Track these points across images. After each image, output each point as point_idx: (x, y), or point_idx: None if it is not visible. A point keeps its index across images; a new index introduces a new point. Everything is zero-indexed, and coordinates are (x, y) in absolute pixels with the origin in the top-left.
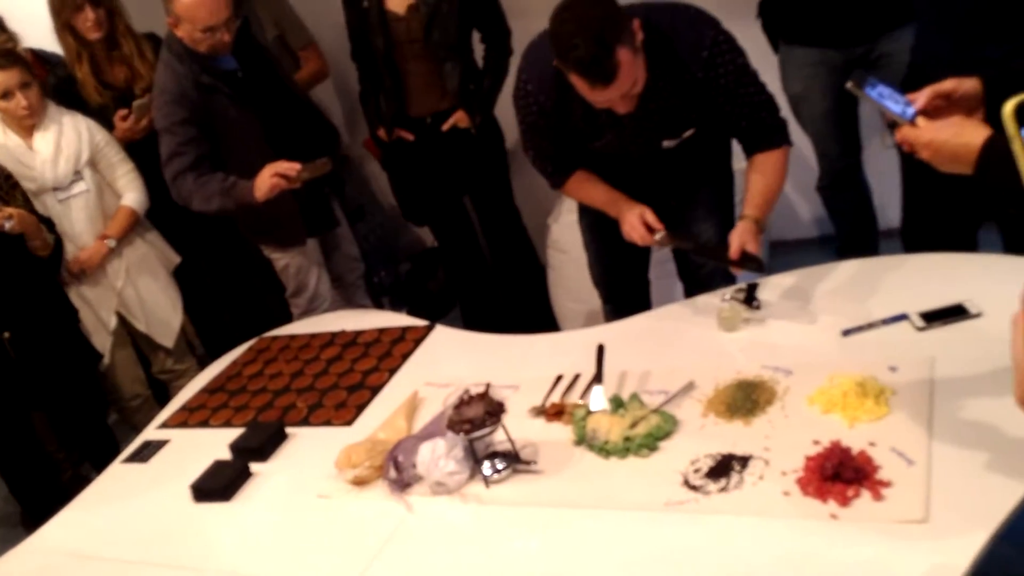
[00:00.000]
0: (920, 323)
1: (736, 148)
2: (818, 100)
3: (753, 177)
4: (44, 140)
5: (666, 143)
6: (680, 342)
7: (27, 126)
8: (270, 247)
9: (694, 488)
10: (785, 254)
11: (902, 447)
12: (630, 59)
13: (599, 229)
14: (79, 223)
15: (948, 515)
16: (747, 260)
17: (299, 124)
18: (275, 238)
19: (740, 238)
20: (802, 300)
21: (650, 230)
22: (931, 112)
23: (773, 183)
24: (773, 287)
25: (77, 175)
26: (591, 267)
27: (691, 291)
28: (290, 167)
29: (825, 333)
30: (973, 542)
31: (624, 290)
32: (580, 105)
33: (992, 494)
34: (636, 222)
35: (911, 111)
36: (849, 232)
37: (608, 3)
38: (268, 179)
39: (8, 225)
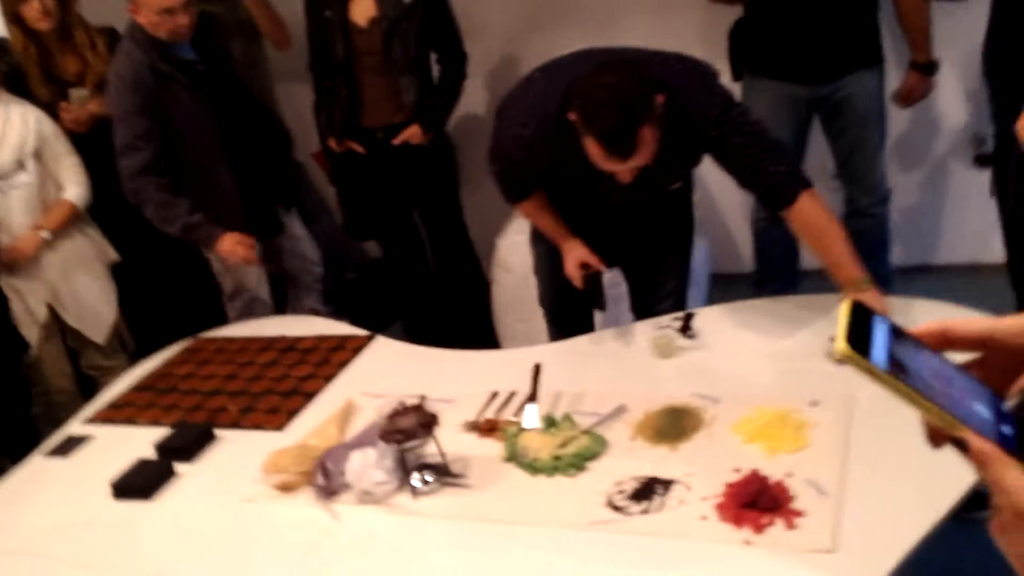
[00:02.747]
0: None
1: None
2: (777, 133)
3: (817, 242)
4: None
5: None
6: (615, 366)
7: None
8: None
9: (617, 509)
10: (723, 287)
11: (817, 479)
12: (650, 137)
13: (551, 254)
14: (17, 213)
15: (856, 547)
16: None
17: (252, 123)
18: None
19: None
20: (736, 332)
21: (587, 267)
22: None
23: (837, 236)
24: (709, 318)
25: (19, 164)
26: (540, 290)
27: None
28: (250, 249)
29: (755, 365)
30: (877, 574)
31: (570, 315)
32: (579, 159)
33: (899, 529)
34: (574, 270)
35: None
36: (773, 267)
37: (642, 79)
38: (234, 246)
39: None
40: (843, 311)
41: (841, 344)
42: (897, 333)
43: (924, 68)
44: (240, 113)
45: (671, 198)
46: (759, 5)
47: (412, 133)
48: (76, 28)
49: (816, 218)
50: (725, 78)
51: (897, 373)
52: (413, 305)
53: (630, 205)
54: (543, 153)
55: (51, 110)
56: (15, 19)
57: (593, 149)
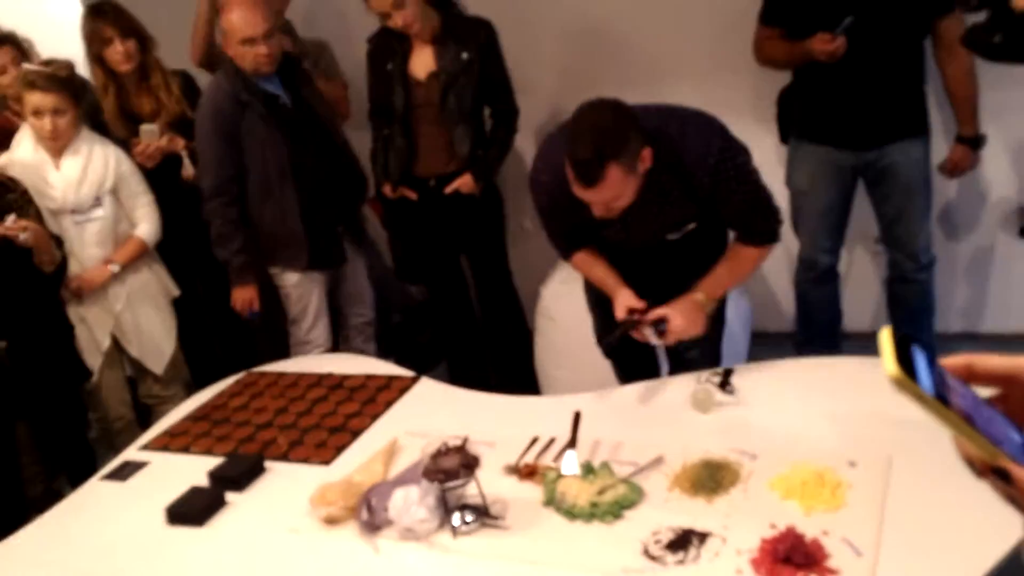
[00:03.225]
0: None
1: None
2: (821, 197)
3: (724, 262)
4: (72, 164)
5: (669, 236)
6: (655, 418)
7: (56, 148)
8: (276, 267)
9: (653, 558)
10: (764, 345)
11: (853, 538)
12: (619, 177)
13: (603, 294)
14: (90, 246)
15: None
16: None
17: (327, 161)
18: (279, 257)
19: (667, 309)
20: (776, 390)
21: (634, 312)
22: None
23: (736, 274)
24: (749, 375)
25: (97, 200)
26: (595, 329)
27: (674, 370)
28: (247, 311)
29: (793, 423)
30: None
31: (627, 352)
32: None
33: None
34: (623, 315)
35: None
36: (815, 328)
37: (626, 122)
38: (241, 301)
39: (23, 237)
40: (886, 336)
41: (892, 368)
42: (932, 362)
43: (971, 142)
44: (316, 150)
45: (700, 247)
46: (807, 72)
47: (464, 182)
48: (153, 71)
49: (749, 258)
50: (772, 141)
51: (943, 400)
52: (457, 349)
53: (647, 251)
54: (560, 199)
55: (125, 146)
56: (98, 60)
57: (570, 174)
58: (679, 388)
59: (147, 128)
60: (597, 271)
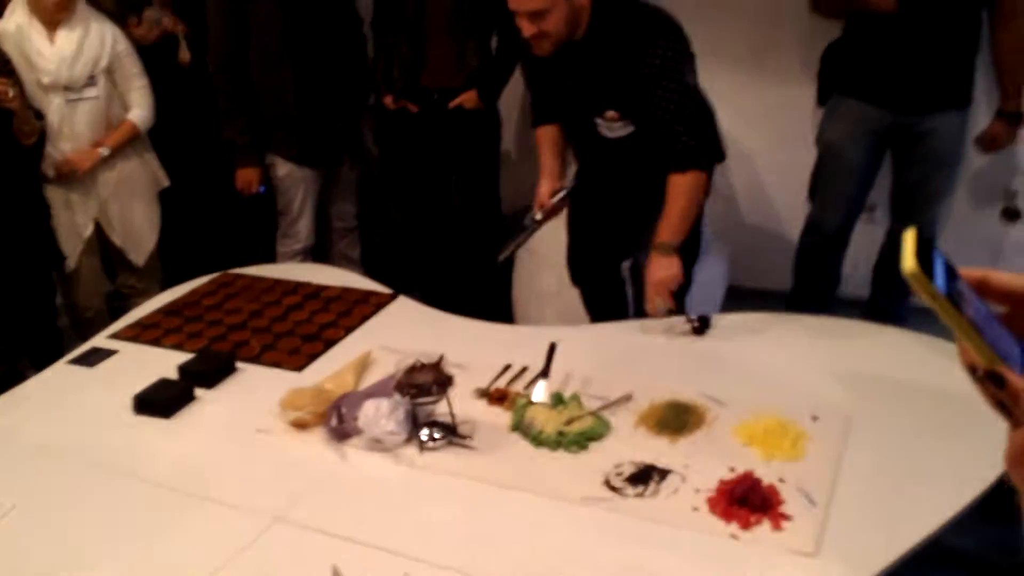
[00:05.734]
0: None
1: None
2: (850, 153)
3: (666, 203)
4: (68, 39)
5: (602, 128)
6: (628, 357)
7: (54, 21)
8: (271, 155)
9: (613, 489)
10: (748, 299)
11: (808, 488)
12: None
13: (575, 211)
14: (80, 126)
15: (835, 555)
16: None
17: (331, 54)
18: (274, 143)
19: (653, 277)
20: (753, 342)
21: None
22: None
23: (680, 209)
24: (728, 324)
25: (91, 79)
26: (568, 255)
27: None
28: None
29: (764, 375)
30: None
31: (592, 275)
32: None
33: (879, 544)
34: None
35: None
36: (811, 292)
37: None
38: (244, 181)
39: (12, 93)
40: (909, 235)
41: (910, 262)
42: (950, 268)
43: (1011, 117)
44: (319, 37)
45: (639, 159)
46: (859, 25)
47: (469, 98)
48: None
49: (684, 188)
50: (811, 100)
51: (954, 301)
52: (433, 271)
53: (597, 144)
54: (534, 59)
55: (116, 20)
56: None
57: None
58: (653, 330)
59: (150, 14)
60: (544, 149)
